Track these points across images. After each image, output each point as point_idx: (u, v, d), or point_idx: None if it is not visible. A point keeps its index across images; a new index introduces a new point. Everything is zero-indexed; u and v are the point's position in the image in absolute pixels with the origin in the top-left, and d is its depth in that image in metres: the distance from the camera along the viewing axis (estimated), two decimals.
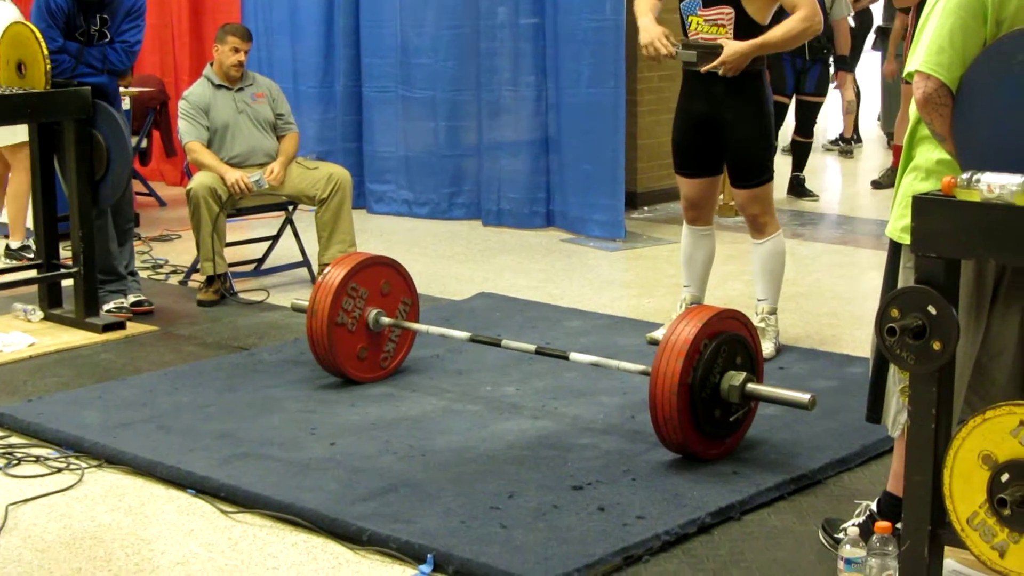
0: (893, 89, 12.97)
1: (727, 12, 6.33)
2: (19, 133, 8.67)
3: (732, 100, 6.48)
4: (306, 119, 10.75)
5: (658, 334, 6.56)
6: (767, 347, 6.51)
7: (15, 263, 8.69)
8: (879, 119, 15.56)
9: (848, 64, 12.99)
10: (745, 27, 6.34)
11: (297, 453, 5.46)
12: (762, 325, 6.61)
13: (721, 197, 10.66)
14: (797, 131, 11.81)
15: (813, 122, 11.85)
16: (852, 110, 14.43)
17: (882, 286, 4.31)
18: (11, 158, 9.13)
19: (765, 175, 6.62)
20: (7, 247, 9.22)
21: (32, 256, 8.74)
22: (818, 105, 11.79)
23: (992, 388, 4.26)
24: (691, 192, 6.77)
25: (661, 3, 6.60)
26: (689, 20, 6.47)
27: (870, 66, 16.49)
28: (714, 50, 6.31)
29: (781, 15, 6.40)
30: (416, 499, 4.96)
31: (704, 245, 6.88)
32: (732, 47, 6.28)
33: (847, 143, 14.54)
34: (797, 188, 11.70)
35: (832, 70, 12.22)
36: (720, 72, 6.31)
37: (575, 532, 4.65)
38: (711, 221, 6.90)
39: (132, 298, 7.85)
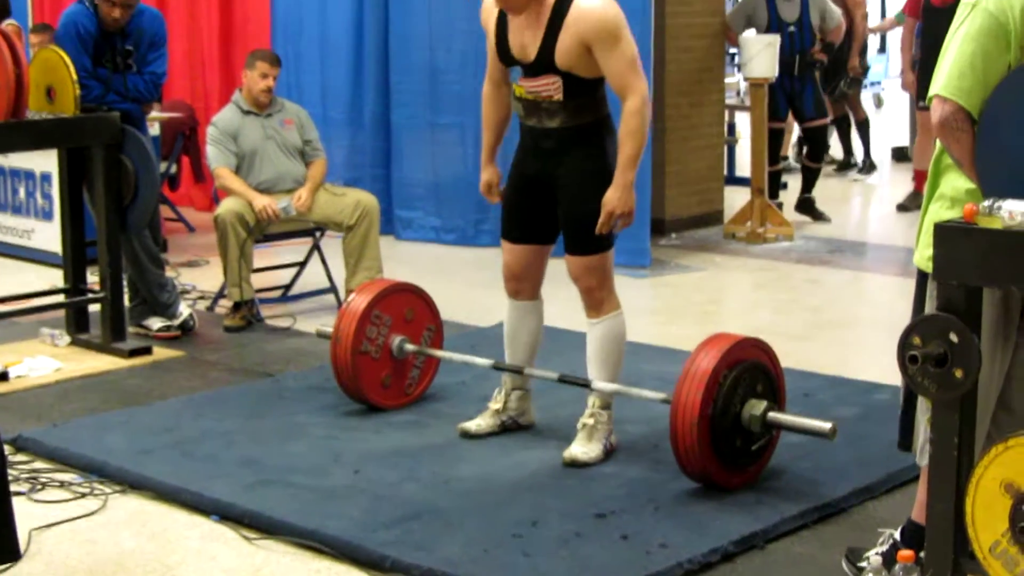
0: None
1: (553, 81, 5.53)
2: None
3: (567, 155, 5.64)
4: (334, 145, 10.76)
5: (470, 425, 6.02)
6: (594, 449, 5.66)
7: (43, 288, 8.75)
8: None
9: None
10: (575, 88, 5.56)
11: (321, 480, 5.47)
12: (590, 422, 5.73)
13: (748, 223, 10.69)
14: (808, 156, 11.78)
15: (823, 147, 11.79)
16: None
17: (912, 313, 4.30)
18: None
19: (603, 243, 5.67)
20: None
21: None
22: (823, 128, 11.75)
23: (1008, 417, 4.25)
24: (512, 260, 5.92)
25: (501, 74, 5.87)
26: (515, 89, 5.72)
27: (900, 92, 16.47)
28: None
29: None
30: (439, 527, 4.96)
31: (528, 323, 5.99)
32: (612, 199, 5.52)
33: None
34: (808, 208, 11.66)
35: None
36: (617, 228, 5.65)
37: (598, 560, 4.65)
38: (536, 295, 5.99)
39: (159, 323, 7.88)
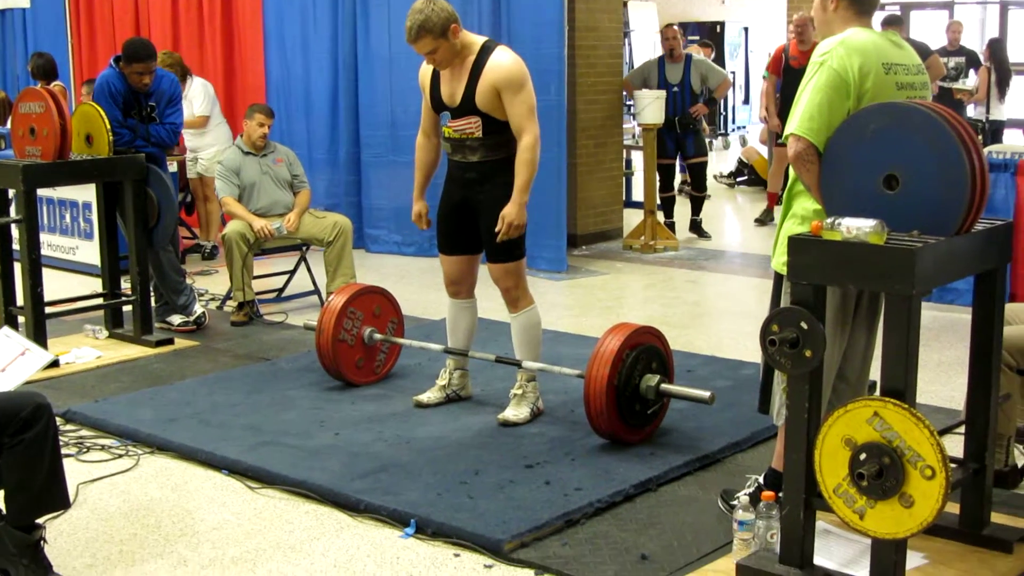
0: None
1: (474, 120, 5.50)
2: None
3: (485, 185, 5.58)
4: (317, 178, 10.70)
5: (423, 397, 5.99)
6: (523, 412, 5.67)
7: (86, 293, 8.64)
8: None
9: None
10: (491, 127, 5.51)
11: (308, 441, 5.42)
12: (519, 392, 5.73)
13: (642, 238, 10.70)
14: (692, 187, 11.76)
15: (703, 178, 11.69)
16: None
17: (769, 306, 4.30)
18: None
19: (516, 252, 5.63)
20: None
21: None
22: (703, 164, 11.59)
23: (844, 386, 4.28)
24: (451, 269, 5.87)
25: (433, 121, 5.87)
26: (444, 131, 5.67)
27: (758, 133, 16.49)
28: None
29: None
30: (402, 476, 4.93)
31: (465, 317, 5.95)
32: (509, 213, 5.49)
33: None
34: (696, 229, 11.63)
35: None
36: (510, 234, 5.53)
37: (527, 501, 4.63)
38: (472, 295, 5.95)
39: (178, 320, 7.80)
